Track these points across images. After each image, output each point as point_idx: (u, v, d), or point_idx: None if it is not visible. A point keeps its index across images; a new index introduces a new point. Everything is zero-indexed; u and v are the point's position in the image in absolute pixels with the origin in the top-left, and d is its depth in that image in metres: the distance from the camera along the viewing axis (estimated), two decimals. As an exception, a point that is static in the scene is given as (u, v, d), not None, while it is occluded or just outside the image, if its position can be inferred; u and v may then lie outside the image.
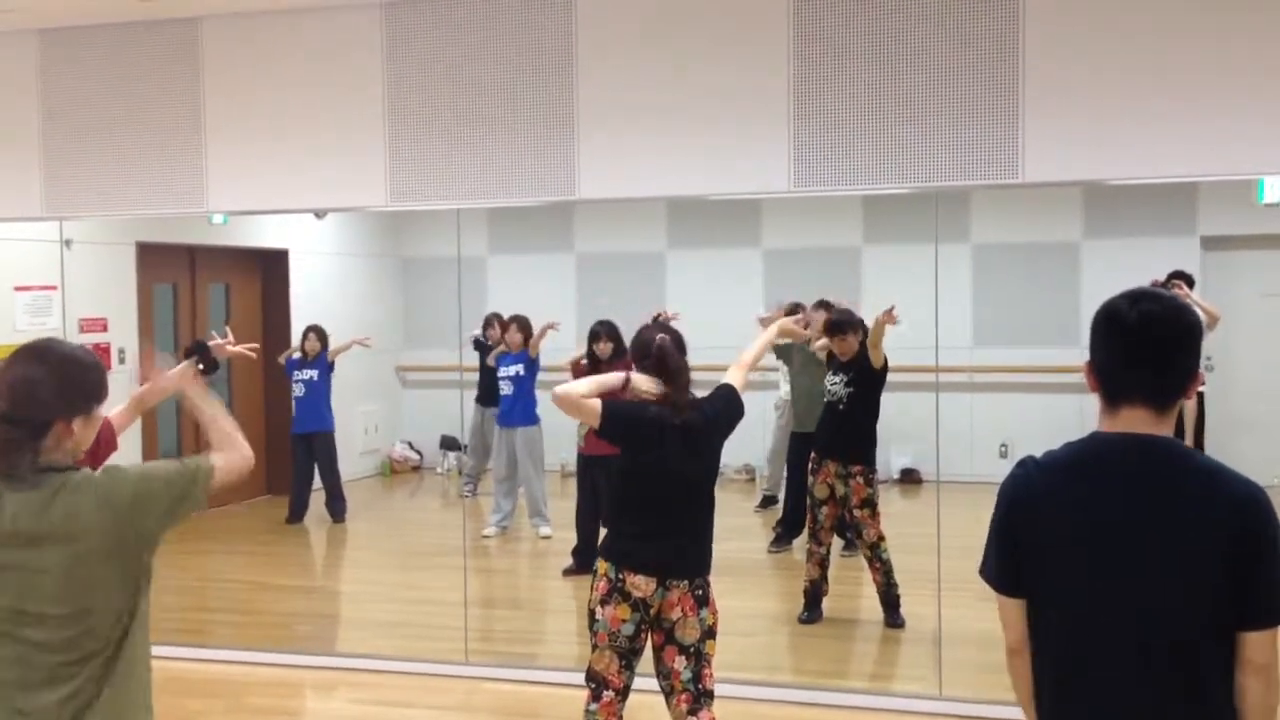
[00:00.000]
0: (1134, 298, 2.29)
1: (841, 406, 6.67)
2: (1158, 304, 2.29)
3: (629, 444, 4.22)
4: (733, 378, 4.40)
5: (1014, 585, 2.39)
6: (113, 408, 3.96)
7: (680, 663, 4.12)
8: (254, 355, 4.67)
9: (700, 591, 4.15)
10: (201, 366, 4.36)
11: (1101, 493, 2.28)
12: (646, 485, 4.19)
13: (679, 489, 4.17)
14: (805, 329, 5.74)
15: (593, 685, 4.18)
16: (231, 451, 2.88)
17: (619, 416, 4.19)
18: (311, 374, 9.29)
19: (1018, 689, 2.46)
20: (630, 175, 5.81)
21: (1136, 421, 2.29)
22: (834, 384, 6.72)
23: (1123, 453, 2.28)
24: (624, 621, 4.11)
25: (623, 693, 4.18)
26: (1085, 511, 2.29)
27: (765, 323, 8.02)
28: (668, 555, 4.12)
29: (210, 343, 4.51)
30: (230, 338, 4.62)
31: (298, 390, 9.34)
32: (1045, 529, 2.32)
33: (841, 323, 6.71)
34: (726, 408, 4.30)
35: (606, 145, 5.81)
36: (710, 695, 4.17)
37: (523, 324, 8.66)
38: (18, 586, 2.53)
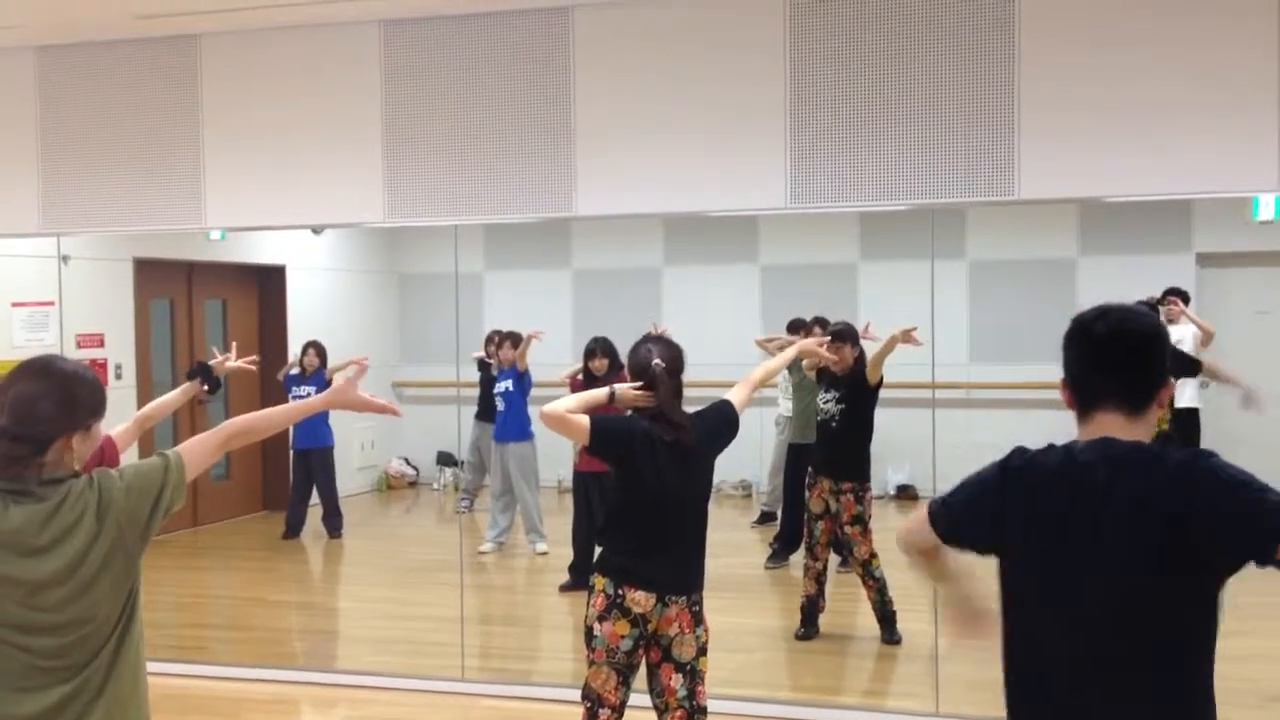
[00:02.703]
0: (1101, 311, 2.41)
1: (834, 424, 6.67)
2: (1124, 315, 2.40)
3: (620, 460, 4.20)
4: (735, 395, 4.37)
5: (960, 537, 2.55)
6: (115, 426, 3.98)
7: (677, 680, 4.12)
8: (254, 368, 4.71)
9: (697, 608, 4.15)
10: (206, 387, 4.39)
11: (1077, 498, 2.33)
12: (640, 501, 4.16)
13: (673, 505, 4.16)
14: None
15: (588, 703, 4.16)
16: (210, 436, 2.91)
17: (608, 433, 4.18)
18: (310, 390, 9.28)
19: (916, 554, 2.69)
20: (628, 192, 5.83)
21: (1109, 425, 2.36)
22: (826, 402, 6.72)
23: (1092, 460, 2.33)
24: (623, 637, 4.09)
25: (619, 710, 4.16)
26: (1065, 514, 2.34)
27: (762, 345, 8.05)
28: (666, 571, 4.12)
29: (211, 362, 4.55)
30: (231, 353, 4.65)
31: None
32: (1036, 520, 2.37)
33: (842, 332, 6.70)
34: (720, 424, 4.28)
35: (604, 162, 5.83)
36: (704, 712, 4.16)
37: (516, 341, 8.68)
38: (22, 597, 2.57)
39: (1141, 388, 2.37)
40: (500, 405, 8.69)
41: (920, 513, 2.64)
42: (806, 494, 6.79)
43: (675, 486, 4.14)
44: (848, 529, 6.57)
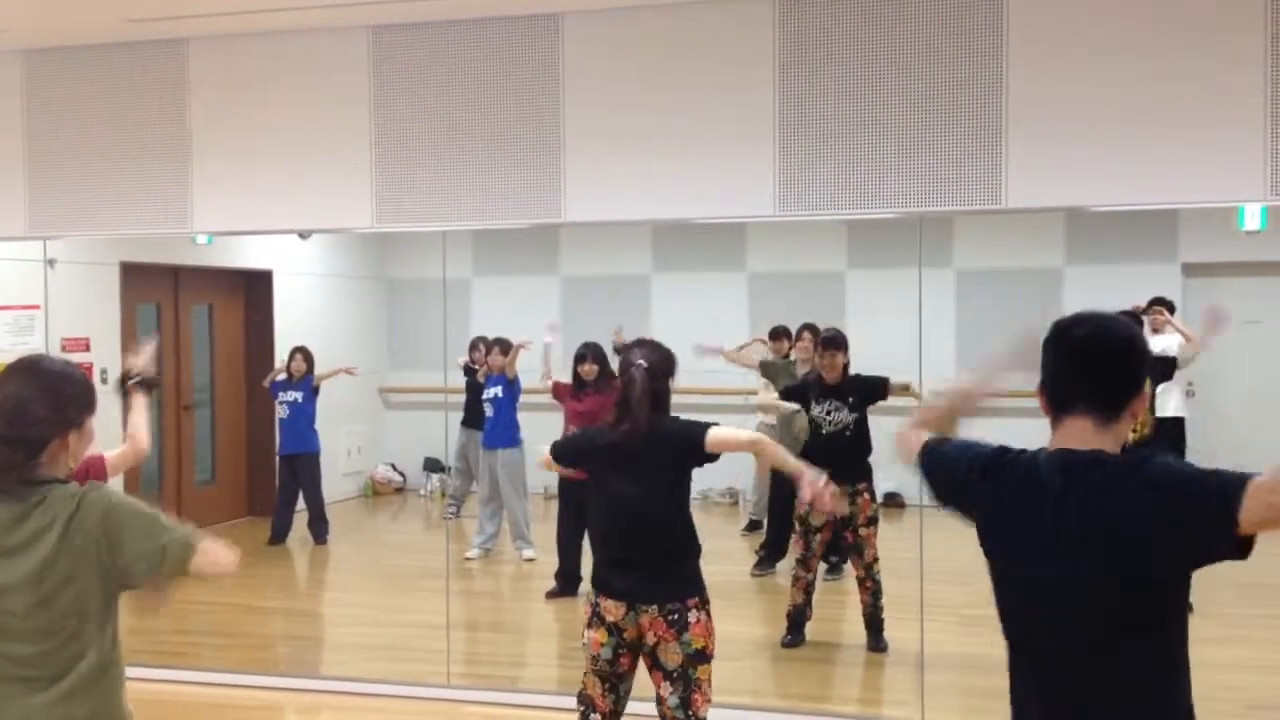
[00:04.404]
0: (1078, 319, 2.44)
1: (848, 434, 6.63)
2: (1101, 322, 2.43)
3: (587, 470, 4.37)
4: (719, 429, 4.15)
5: (940, 488, 2.64)
6: (110, 449, 3.91)
7: (666, 688, 4.10)
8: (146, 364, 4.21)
9: (675, 616, 4.08)
10: (144, 389, 4.13)
11: (1034, 504, 2.37)
12: (604, 510, 4.24)
13: (633, 514, 4.14)
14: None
15: (582, 708, 4.21)
16: (207, 548, 2.66)
17: (566, 453, 4.47)
18: (297, 395, 9.27)
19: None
20: (616, 199, 5.83)
21: (1078, 431, 2.38)
22: (833, 412, 6.66)
23: (1051, 468, 2.37)
24: (603, 645, 4.13)
25: (609, 716, 4.17)
26: (1024, 518, 2.39)
27: (731, 358, 8.02)
28: (634, 580, 4.11)
29: (135, 370, 4.16)
30: (144, 349, 4.26)
31: (282, 412, 9.30)
32: (1003, 517, 2.43)
33: (834, 339, 6.71)
34: (682, 442, 4.14)
35: (592, 169, 5.83)
36: None
37: (505, 347, 8.67)
38: None
39: (1112, 396, 2.39)
40: (489, 412, 8.68)
41: (916, 435, 2.74)
42: (805, 507, 6.68)
43: (633, 495, 4.14)
44: (863, 530, 6.55)
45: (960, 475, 2.56)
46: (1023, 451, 2.47)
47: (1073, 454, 2.35)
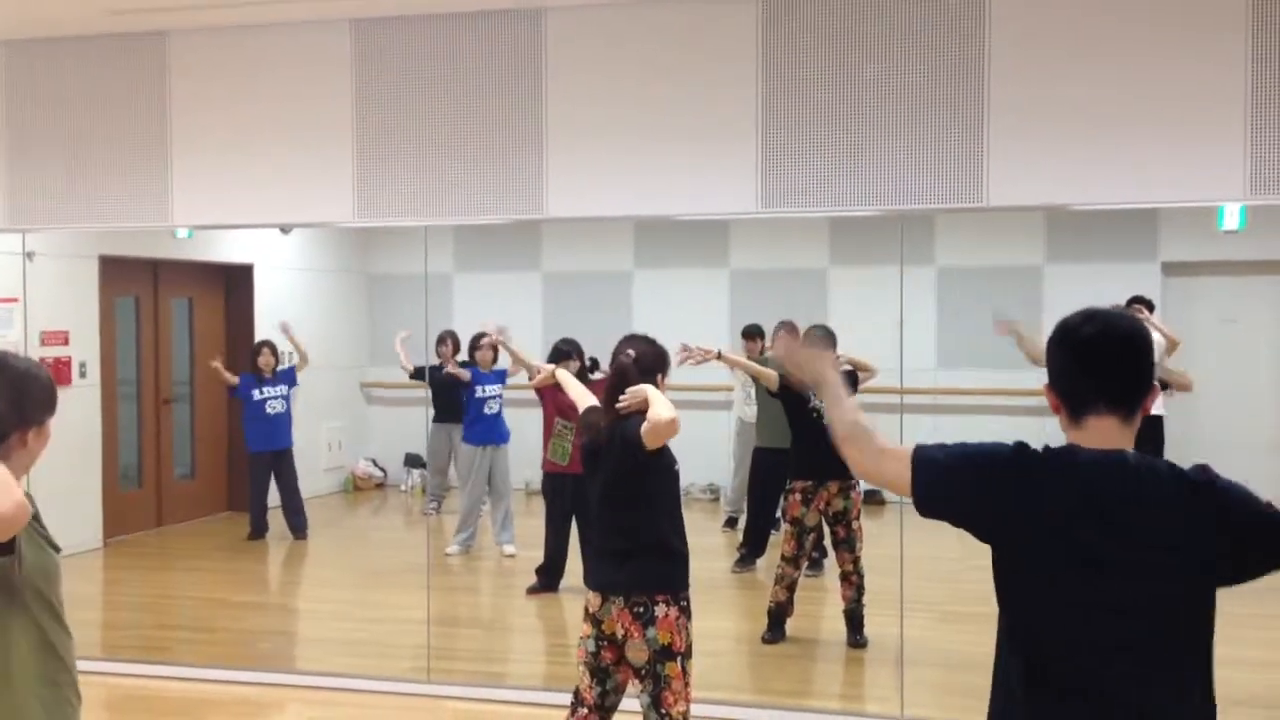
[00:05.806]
0: (1086, 315, 2.40)
1: None
2: (1109, 319, 2.39)
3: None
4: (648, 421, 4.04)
5: (945, 511, 2.44)
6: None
7: (635, 686, 4.13)
8: None
9: (641, 609, 4.07)
10: None
11: (1103, 503, 2.31)
12: (588, 499, 4.33)
13: (603, 502, 4.20)
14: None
15: (573, 700, 4.24)
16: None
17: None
18: (282, 389, 9.21)
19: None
20: (598, 195, 5.83)
21: (1104, 430, 2.35)
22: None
23: (1106, 467, 2.32)
24: (587, 637, 4.17)
25: (595, 710, 4.18)
26: (1089, 515, 2.30)
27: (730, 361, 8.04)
28: (604, 571, 4.18)
29: None
30: None
31: (278, 406, 9.20)
32: (1041, 518, 2.32)
33: (825, 337, 6.71)
34: (632, 434, 4.08)
35: (574, 164, 5.83)
36: None
37: (492, 343, 8.65)
38: None
39: (1133, 391, 2.37)
40: (490, 409, 8.62)
41: (893, 448, 2.49)
42: (802, 508, 6.59)
43: (604, 487, 4.20)
44: (855, 524, 6.57)
45: (972, 483, 2.40)
46: (1046, 449, 2.37)
47: (1131, 454, 2.33)
